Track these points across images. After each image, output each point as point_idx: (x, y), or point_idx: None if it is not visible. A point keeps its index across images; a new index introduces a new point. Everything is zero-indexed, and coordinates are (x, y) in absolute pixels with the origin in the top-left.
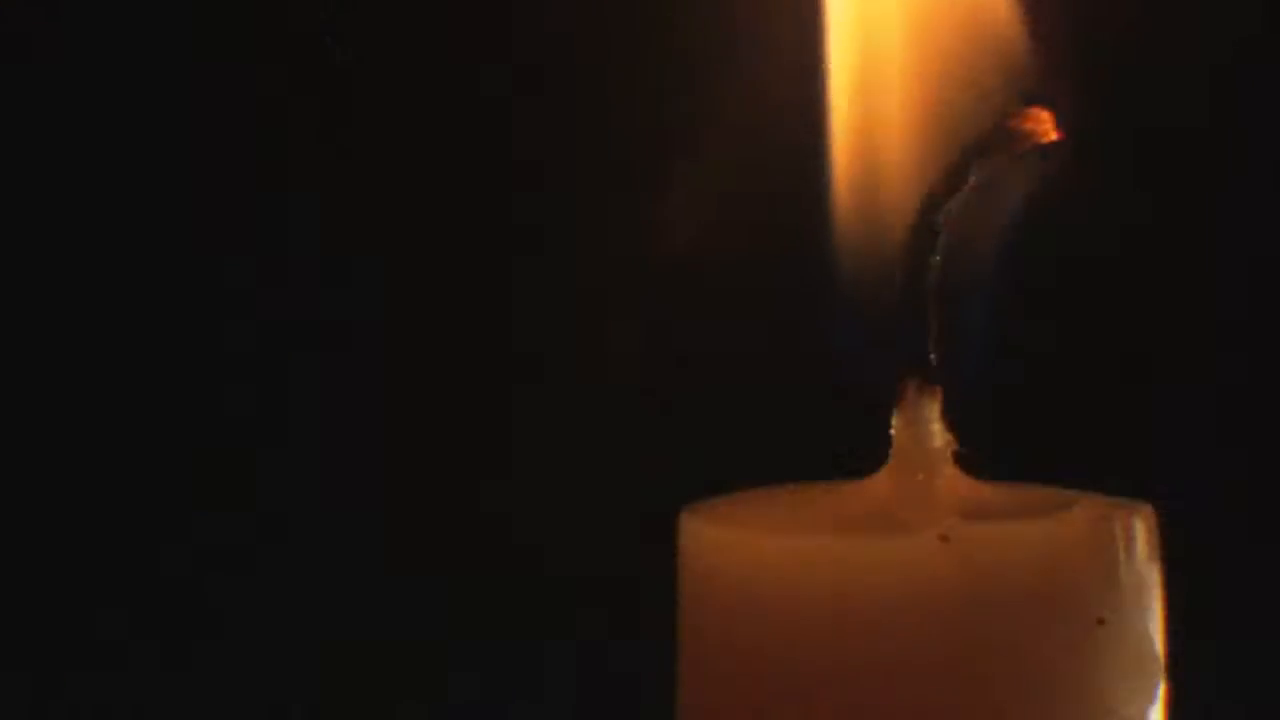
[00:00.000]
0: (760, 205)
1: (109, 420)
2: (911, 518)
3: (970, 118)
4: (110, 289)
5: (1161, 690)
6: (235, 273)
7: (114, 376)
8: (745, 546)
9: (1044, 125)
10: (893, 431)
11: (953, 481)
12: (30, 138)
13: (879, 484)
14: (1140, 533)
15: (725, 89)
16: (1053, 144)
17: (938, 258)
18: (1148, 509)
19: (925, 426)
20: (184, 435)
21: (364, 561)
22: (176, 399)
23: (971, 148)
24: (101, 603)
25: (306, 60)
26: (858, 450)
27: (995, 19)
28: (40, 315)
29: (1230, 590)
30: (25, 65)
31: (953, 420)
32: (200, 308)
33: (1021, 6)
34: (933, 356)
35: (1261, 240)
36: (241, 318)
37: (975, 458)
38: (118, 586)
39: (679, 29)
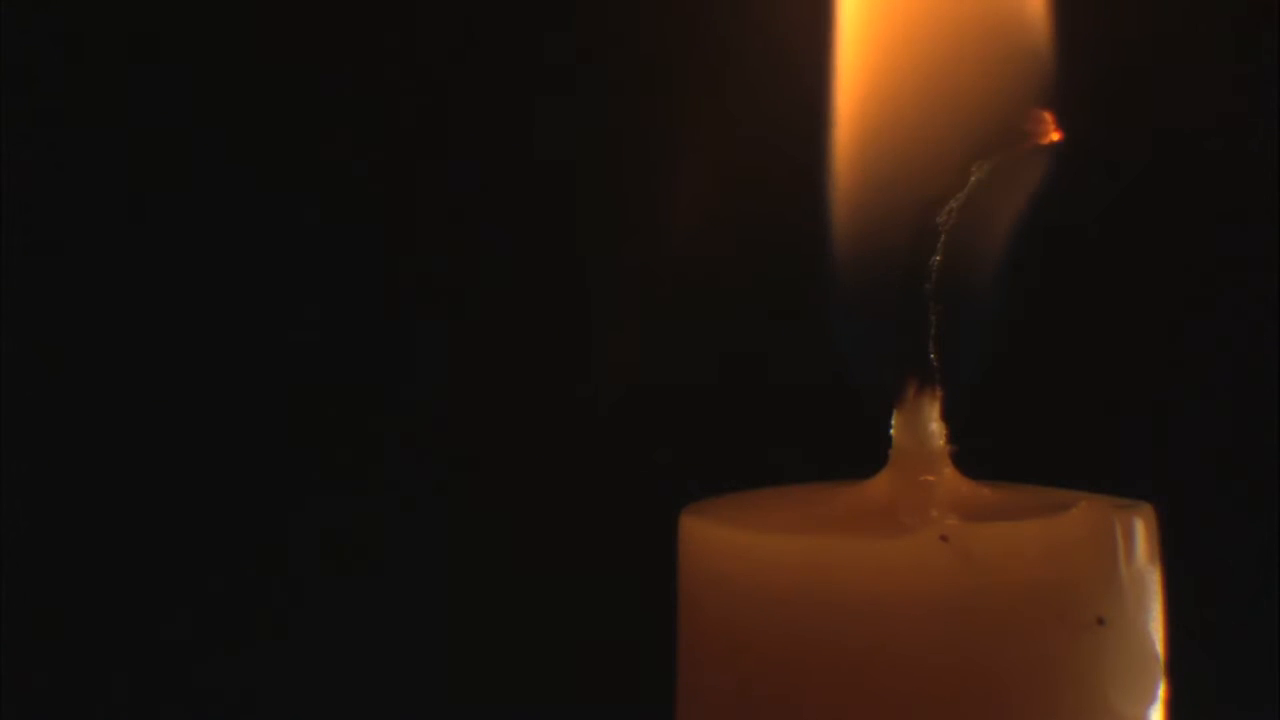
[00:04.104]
0: (761, 205)
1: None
2: (911, 518)
3: (973, 118)
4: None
5: (1161, 690)
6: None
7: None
8: (745, 546)
9: (1045, 126)
10: (893, 431)
11: (953, 481)
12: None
13: (879, 484)
14: (1140, 533)
15: (728, 88)
16: (1055, 144)
17: (938, 258)
18: (1148, 509)
19: (925, 426)
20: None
21: (362, 561)
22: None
23: (973, 148)
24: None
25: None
26: (858, 450)
27: (1006, 21)
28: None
29: (1230, 590)
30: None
31: (953, 420)
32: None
33: (1032, 10)
34: (933, 356)
35: (1262, 241)
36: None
37: (975, 458)
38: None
39: (685, 27)
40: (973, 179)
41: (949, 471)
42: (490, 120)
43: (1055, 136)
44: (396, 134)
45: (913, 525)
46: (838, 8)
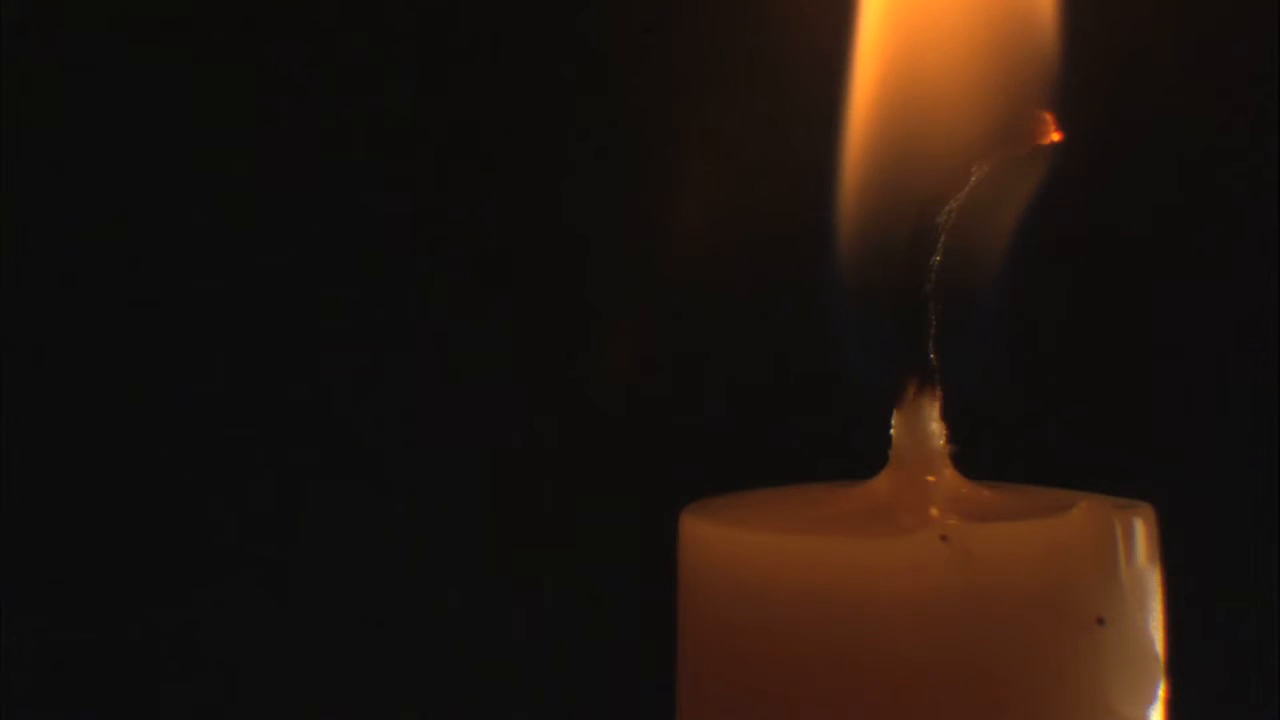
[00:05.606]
0: (762, 205)
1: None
2: (911, 518)
3: (975, 118)
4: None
5: (1161, 690)
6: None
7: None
8: (745, 546)
9: (1046, 126)
10: (893, 431)
11: (953, 482)
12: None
13: (879, 484)
14: (1140, 533)
15: (731, 90)
16: (1056, 145)
17: (938, 258)
18: (1148, 509)
19: (925, 427)
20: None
21: (360, 562)
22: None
23: (973, 148)
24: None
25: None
26: (858, 450)
27: (1012, 22)
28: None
29: (1230, 590)
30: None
31: (953, 420)
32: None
33: (1038, 11)
34: (933, 356)
35: (1262, 241)
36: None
37: (975, 458)
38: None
39: (689, 25)
40: (973, 179)
41: (949, 471)
42: (490, 117)
43: (1056, 137)
44: (397, 128)
45: (913, 525)
46: (856, 7)
